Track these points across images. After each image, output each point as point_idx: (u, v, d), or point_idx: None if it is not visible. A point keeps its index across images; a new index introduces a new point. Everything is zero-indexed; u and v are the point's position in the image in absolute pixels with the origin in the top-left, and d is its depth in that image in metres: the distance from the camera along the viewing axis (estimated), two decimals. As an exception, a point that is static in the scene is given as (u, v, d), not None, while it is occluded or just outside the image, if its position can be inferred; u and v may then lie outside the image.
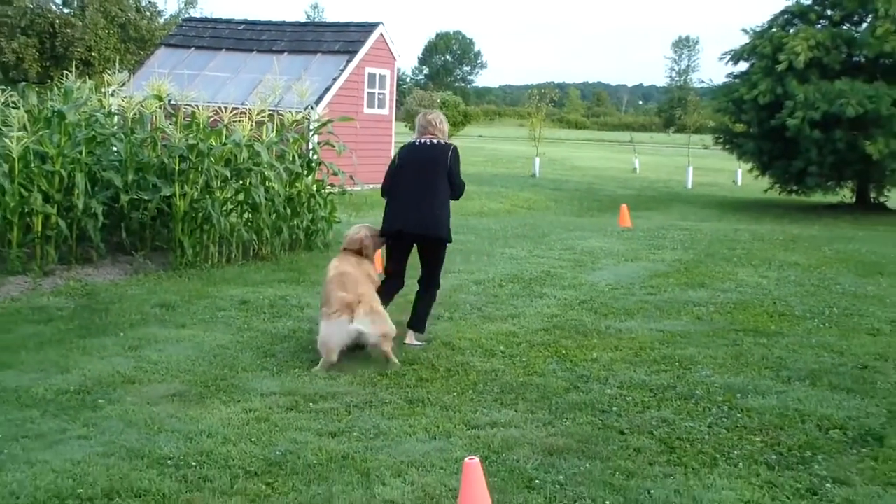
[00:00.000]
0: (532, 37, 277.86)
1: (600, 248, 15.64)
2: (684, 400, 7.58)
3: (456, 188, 9.43)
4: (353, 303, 8.34)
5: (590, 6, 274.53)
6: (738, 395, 7.74)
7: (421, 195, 9.24)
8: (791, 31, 26.19)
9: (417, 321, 9.35)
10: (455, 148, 9.47)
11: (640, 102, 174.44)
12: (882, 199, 27.98)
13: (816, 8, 26.91)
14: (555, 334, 9.58)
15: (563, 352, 8.89)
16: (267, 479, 5.79)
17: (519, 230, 18.32)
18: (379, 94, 27.85)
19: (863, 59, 25.62)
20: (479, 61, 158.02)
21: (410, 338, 9.23)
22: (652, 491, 5.75)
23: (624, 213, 20.20)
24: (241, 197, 13.55)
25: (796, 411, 7.38)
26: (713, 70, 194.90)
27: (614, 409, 7.30)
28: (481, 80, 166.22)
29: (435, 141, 9.47)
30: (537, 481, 5.82)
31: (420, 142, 9.51)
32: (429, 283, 9.49)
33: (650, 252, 15.51)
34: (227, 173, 13.08)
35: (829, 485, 6.00)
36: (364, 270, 9.04)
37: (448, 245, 9.50)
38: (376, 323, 8.40)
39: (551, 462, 6.13)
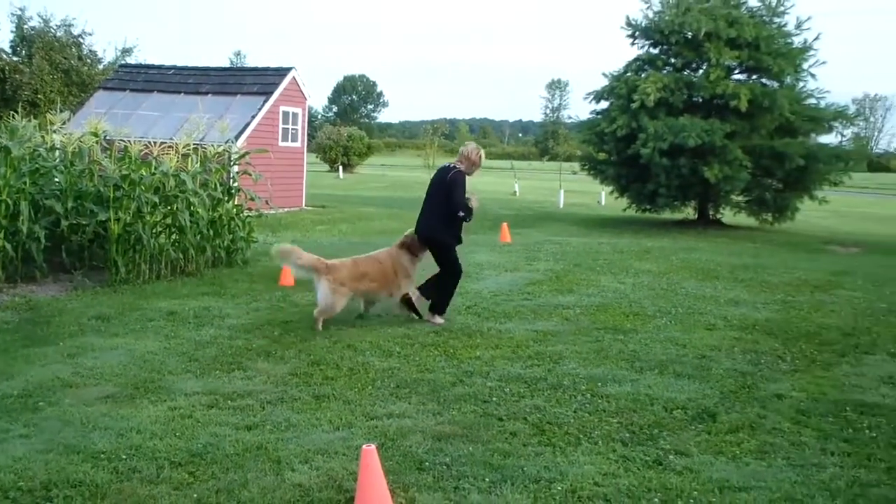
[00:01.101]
0: (427, 78, 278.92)
1: (485, 261, 15.69)
2: (554, 389, 7.65)
3: (450, 203, 10.22)
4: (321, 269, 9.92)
5: (476, 51, 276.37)
6: (599, 383, 7.85)
7: (426, 207, 10.57)
8: (643, 75, 26.54)
9: (434, 305, 10.45)
10: (456, 172, 10.34)
11: (520, 135, 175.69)
12: (718, 216, 28.52)
13: (662, 56, 27.34)
14: (444, 335, 9.58)
15: (451, 351, 8.90)
16: (189, 468, 5.69)
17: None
18: (292, 129, 27.69)
19: (700, 99, 26.12)
20: (381, 100, 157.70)
21: (431, 318, 10.36)
22: (525, 468, 5.80)
23: (504, 230, 20.29)
24: (169, 220, 13.34)
25: (647, 396, 7.52)
26: (580, 108, 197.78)
27: (494, 399, 7.33)
28: (383, 116, 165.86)
29: (450, 165, 10.56)
30: (427, 463, 5.82)
31: (443, 166, 10.80)
32: (441, 275, 10.54)
33: (527, 263, 15.60)
34: (157, 200, 12.89)
35: (672, 456, 6.13)
36: (396, 259, 10.48)
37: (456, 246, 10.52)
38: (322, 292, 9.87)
39: (439, 447, 6.14)
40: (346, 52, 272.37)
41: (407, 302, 10.48)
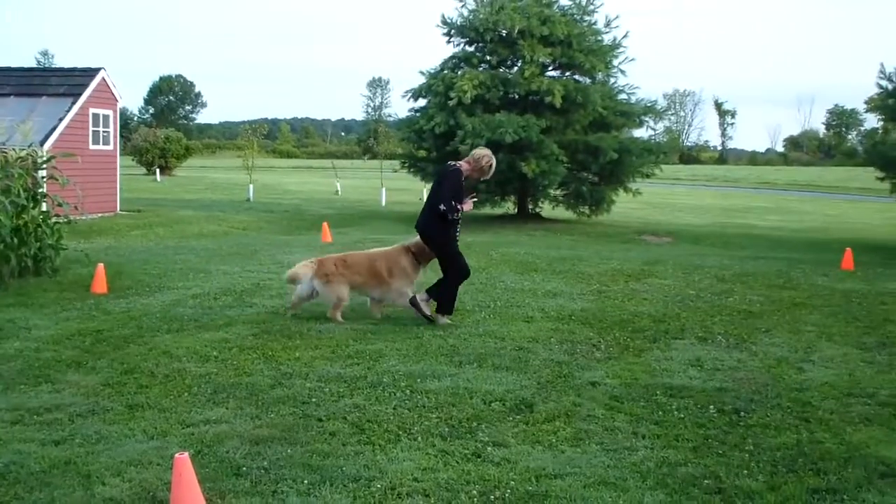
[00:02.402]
0: (248, 78, 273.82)
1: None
2: (373, 387, 7.64)
3: (437, 198, 10.19)
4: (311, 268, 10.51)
5: (297, 51, 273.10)
6: (419, 379, 7.89)
7: (425, 202, 10.66)
8: (459, 73, 26.91)
9: (439, 306, 10.38)
10: (453, 169, 10.34)
11: (343, 134, 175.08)
12: (537, 210, 29.22)
13: (478, 54, 27.80)
14: (263, 338, 9.43)
15: (270, 353, 8.76)
16: (-10, 490, 5.39)
17: (233, 249, 17.95)
18: (104, 131, 26.69)
19: (516, 96, 26.68)
20: (199, 101, 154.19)
21: (438, 318, 10.31)
22: (344, 468, 5.77)
23: (325, 229, 20.22)
24: (-34, 229, 12.54)
25: (466, 389, 7.60)
26: (401, 106, 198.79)
27: (314, 400, 7.26)
28: (202, 117, 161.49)
29: (450, 163, 10.68)
30: (244, 468, 5.71)
31: (448, 162, 10.92)
32: (443, 274, 10.48)
33: (347, 262, 15.51)
34: (-49, 208, 12.13)
35: (490, 448, 6.22)
36: (393, 259, 10.68)
37: (443, 250, 10.39)
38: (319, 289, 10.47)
39: (257, 450, 6.03)
40: (162, 51, 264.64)
41: (414, 304, 10.37)
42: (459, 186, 10.21)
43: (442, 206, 10.06)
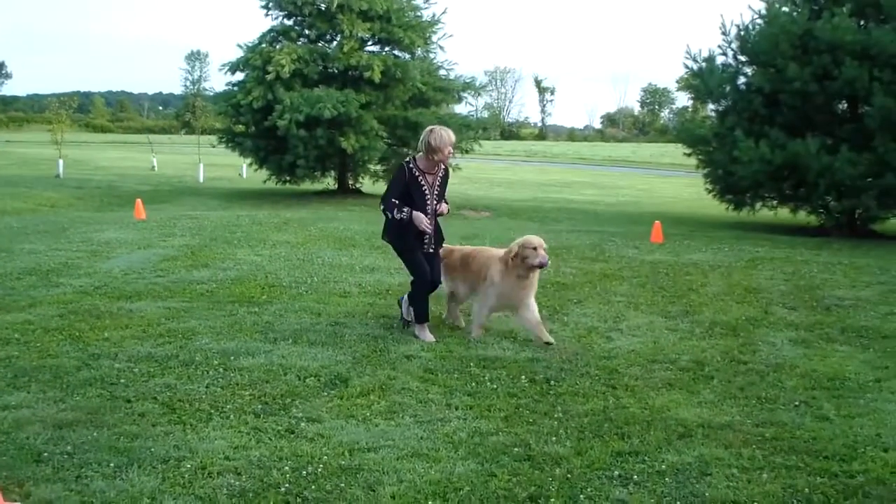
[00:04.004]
0: (57, 49, 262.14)
1: (116, 238, 15.04)
2: (185, 366, 7.48)
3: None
4: None
5: (110, 21, 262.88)
6: (232, 357, 7.77)
7: None
8: (277, 46, 26.60)
9: (415, 315, 8.93)
10: (399, 165, 8.88)
11: (161, 108, 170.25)
12: (358, 185, 29.24)
13: (297, 28, 27.56)
14: (70, 319, 9.03)
15: (77, 334, 8.41)
16: None
17: (40, 227, 17.14)
18: None
19: (335, 71, 26.56)
20: (3, 72, 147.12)
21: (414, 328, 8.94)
22: (153, 449, 5.62)
23: (139, 206, 19.61)
24: None
25: (280, 366, 7.54)
26: (220, 80, 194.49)
27: (122, 380, 7.04)
28: (7, 89, 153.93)
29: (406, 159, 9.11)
30: (46, 454, 5.47)
31: None
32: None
33: (161, 239, 15.13)
34: None
35: (304, 423, 6.19)
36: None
37: (394, 247, 9.07)
38: None
39: (60, 435, 5.80)
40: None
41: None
42: (401, 183, 8.71)
43: (381, 206, 8.80)
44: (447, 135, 8.71)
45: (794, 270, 13.52)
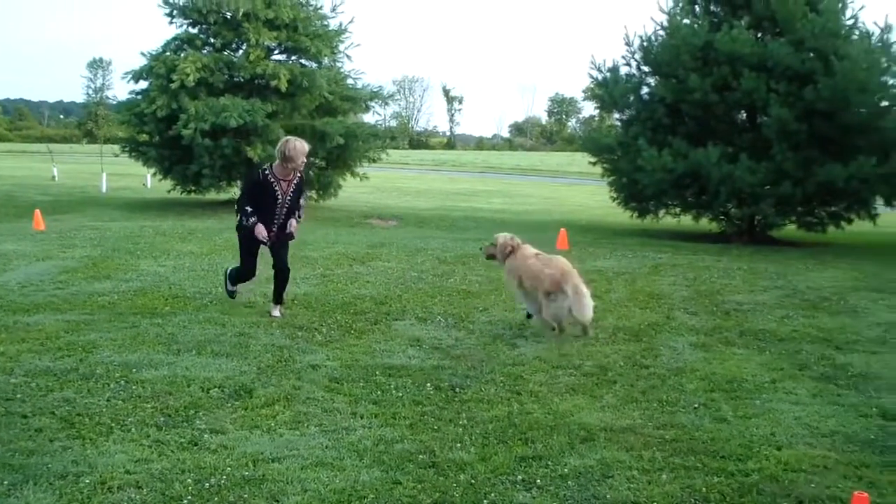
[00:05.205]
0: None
1: (13, 250, 14.67)
2: (85, 380, 7.34)
3: None
4: None
5: (2, 22, 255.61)
6: (134, 369, 7.66)
7: None
8: (182, 55, 26.19)
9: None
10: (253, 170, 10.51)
11: (62, 117, 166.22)
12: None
13: (202, 36, 27.14)
14: (-39, 335, 8.81)
15: (-30, 349, 8.22)
16: None
17: (-66, 239, 16.66)
18: None
19: (241, 80, 26.25)
20: None
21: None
22: (50, 465, 5.52)
23: (38, 216, 19.15)
24: None
25: (184, 377, 7.47)
26: (124, 88, 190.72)
27: (19, 395, 6.88)
28: None
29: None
30: (-65, 472, 5.35)
31: None
32: None
33: (61, 251, 14.80)
34: None
35: (207, 435, 6.15)
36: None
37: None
38: None
39: (-49, 452, 5.67)
40: None
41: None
42: (254, 189, 9.88)
43: (235, 209, 10.13)
44: (301, 145, 9.79)
45: (696, 276, 13.83)
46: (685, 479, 5.56)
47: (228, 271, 10.66)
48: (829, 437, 6.40)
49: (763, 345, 9.27)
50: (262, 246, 10.05)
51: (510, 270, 10.11)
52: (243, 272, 10.38)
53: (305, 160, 9.98)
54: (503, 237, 10.37)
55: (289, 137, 10.11)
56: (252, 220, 9.70)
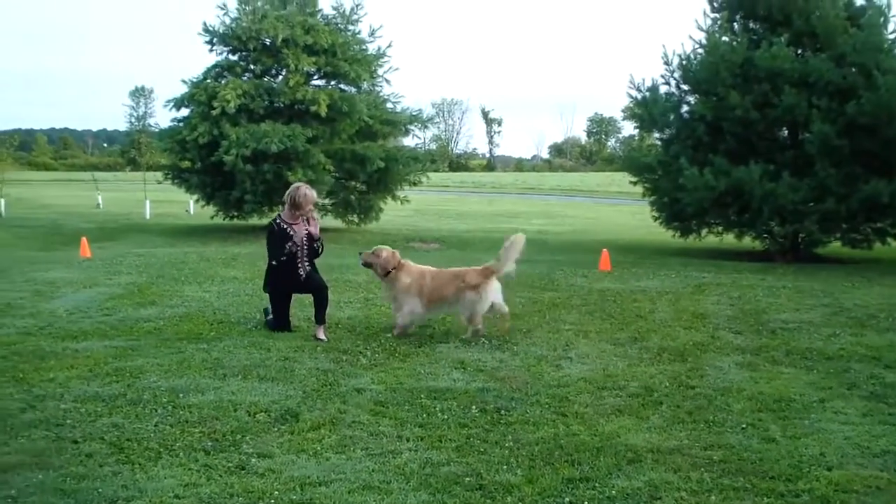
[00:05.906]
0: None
1: (61, 278, 14.88)
2: (133, 405, 7.42)
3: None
4: None
5: (52, 57, 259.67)
6: (181, 394, 7.72)
7: None
8: (223, 81, 26.53)
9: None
10: (269, 226, 10.77)
11: (105, 145, 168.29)
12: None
13: (242, 63, 27.49)
14: (13, 360, 8.87)
15: (21, 375, 8.27)
16: None
17: (-18, 268, 16.93)
18: None
19: (281, 105, 26.52)
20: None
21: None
22: (101, 490, 5.58)
23: (84, 244, 19.43)
24: None
25: (230, 402, 7.51)
26: (166, 116, 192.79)
27: (69, 421, 6.96)
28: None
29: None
30: (-11, 499, 5.43)
31: None
32: None
33: (107, 278, 14.98)
34: None
35: (254, 459, 6.18)
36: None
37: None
38: None
39: (4, 479, 5.71)
40: None
41: None
42: (272, 242, 10.53)
43: (273, 262, 10.53)
44: (312, 194, 10.55)
45: (740, 295, 13.73)
46: (734, 500, 5.51)
47: (267, 314, 11.04)
48: (881, 457, 6.32)
49: (810, 364, 9.18)
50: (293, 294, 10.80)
51: (406, 287, 10.53)
52: (275, 324, 10.68)
53: (313, 208, 10.74)
54: (387, 252, 10.76)
55: (299, 184, 10.80)
56: (283, 258, 10.44)
